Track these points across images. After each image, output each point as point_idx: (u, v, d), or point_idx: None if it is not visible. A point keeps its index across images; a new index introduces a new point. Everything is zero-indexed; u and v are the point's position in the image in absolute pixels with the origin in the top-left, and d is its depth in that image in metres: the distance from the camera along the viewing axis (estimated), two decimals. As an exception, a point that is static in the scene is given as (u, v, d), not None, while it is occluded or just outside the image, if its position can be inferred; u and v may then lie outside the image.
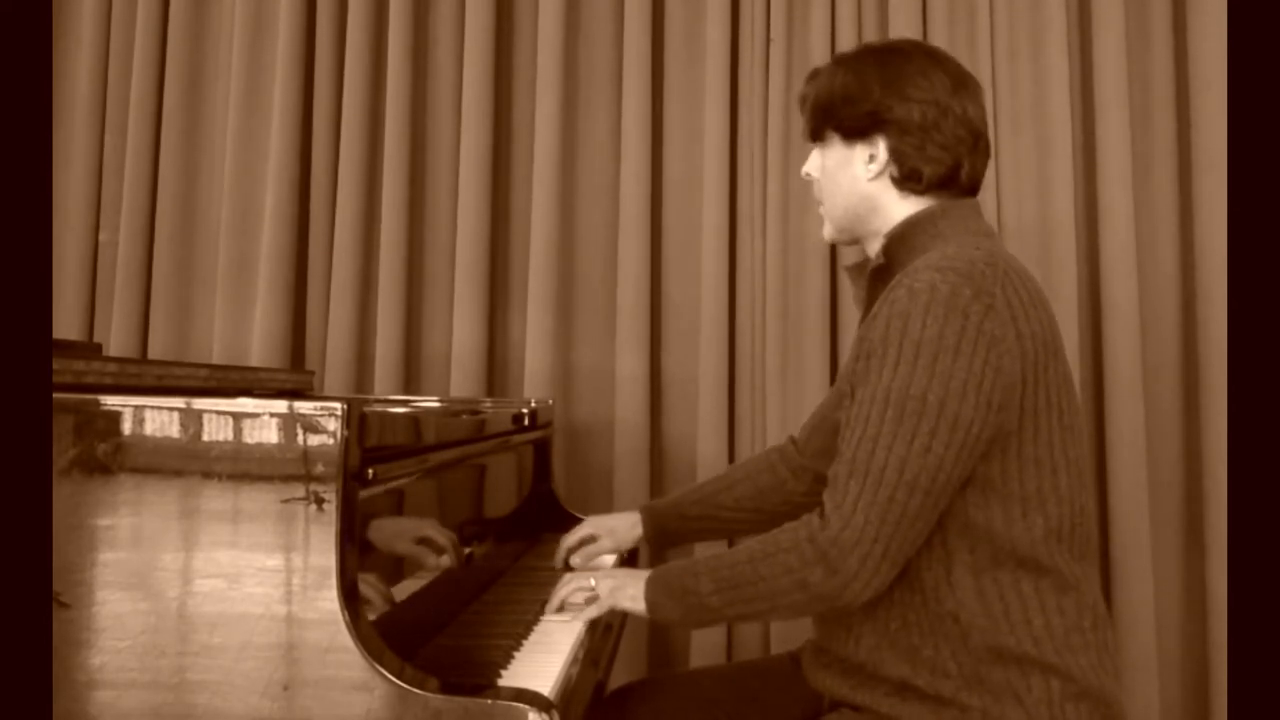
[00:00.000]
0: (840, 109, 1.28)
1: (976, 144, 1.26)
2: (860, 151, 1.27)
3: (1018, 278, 1.15)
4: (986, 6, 2.13)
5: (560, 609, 1.30)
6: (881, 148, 1.26)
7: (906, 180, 1.26)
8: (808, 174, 1.36)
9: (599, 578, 1.28)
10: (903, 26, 2.11)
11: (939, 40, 2.13)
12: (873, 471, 1.08)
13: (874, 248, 1.30)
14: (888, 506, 1.07)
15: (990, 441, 1.11)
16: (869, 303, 1.30)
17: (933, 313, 1.09)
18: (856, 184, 1.28)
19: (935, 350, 1.08)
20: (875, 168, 1.26)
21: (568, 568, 1.56)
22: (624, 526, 1.59)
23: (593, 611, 1.25)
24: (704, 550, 1.98)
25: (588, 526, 1.60)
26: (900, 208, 1.27)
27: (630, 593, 1.23)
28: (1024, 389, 1.11)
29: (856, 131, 1.27)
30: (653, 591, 1.20)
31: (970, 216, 1.25)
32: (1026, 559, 1.13)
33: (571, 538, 1.58)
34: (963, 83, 1.27)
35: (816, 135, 1.33)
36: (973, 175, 1.27)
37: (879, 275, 1.27)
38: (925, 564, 1.15)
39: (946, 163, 1.25)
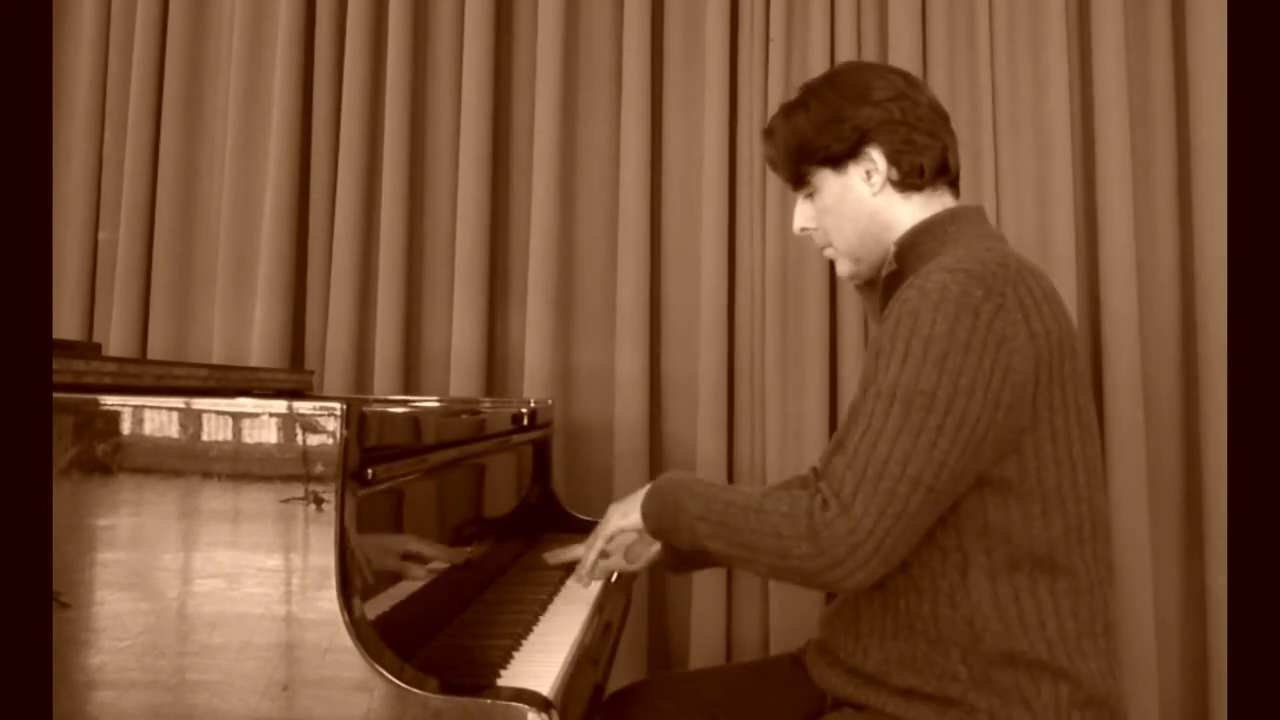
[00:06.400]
0: (820, 140, 1.27)
1: (947, 125, 1.29)
2: (855, 171, 1.27)
3: (1031, 277, 1.14)
4: (986, 7, 2.13)
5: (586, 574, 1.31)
6: (876, 156, 1.26)
7: (908, 178, 1.26)
8: (803, 229, 1.34)
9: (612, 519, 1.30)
10: (902, 27, 2.11)
11: (938, 42, 2.14)
12: (873, 464, 1.06)
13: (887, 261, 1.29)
14: (888, 501, 1.05)
15: (1000, 442, 1.10)
16: (883, 311, 1.28)
17: (943, 311, 1.09)
18: (864, 204, 1.28)
19: (945, 348, 1.08)
20: (879, 179, 1.26)
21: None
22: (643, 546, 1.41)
23: (602, 560, 1.30)
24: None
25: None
26: (909, 212, 1.27)
27: (624, 508, 1.27)
28: (1037, 387, 1.11)
29: (845, 154, 1.26)
30: (649, 500, 1.23)
31: (978, 220, 1.26)
32: (1044, 559, 1.13)
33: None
34: (908, 75, 1.29)
35: (801, 181, 1.31)
36: (956, 160, 1.29)
37: (891, 282, 1.27)
38: (940, 570, 1.14)
39: (937, 147, 1.26)
